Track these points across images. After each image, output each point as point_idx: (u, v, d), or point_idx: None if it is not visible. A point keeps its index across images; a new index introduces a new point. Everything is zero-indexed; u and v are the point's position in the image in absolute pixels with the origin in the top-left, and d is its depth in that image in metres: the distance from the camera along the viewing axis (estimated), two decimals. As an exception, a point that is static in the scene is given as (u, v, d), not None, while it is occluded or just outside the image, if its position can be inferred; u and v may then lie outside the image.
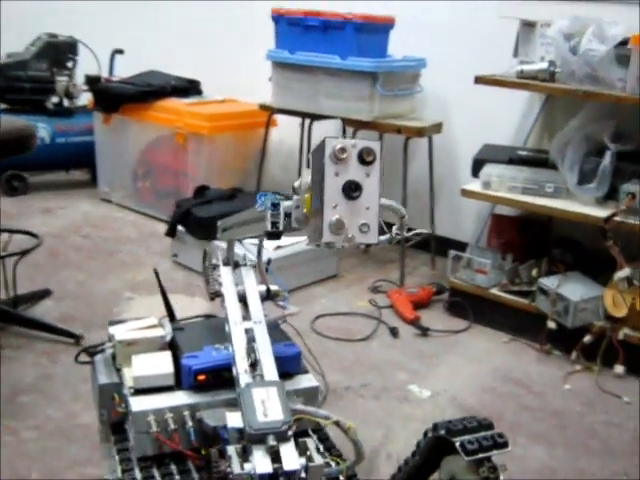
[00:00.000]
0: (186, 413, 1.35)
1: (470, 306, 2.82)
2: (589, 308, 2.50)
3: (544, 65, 2.54)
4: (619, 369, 2.45)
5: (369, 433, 2.03)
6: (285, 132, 3.80)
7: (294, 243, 2.93)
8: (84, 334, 2.49)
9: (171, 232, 3.18)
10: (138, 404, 1.35)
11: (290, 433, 1.16)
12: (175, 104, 3.68)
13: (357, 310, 2.89)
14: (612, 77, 2.39)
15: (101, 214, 3.88)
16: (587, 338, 2.48)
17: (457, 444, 1.08)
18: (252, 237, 1.45)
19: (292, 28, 3.10)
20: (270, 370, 1.27)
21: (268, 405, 1.18)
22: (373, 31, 3.02)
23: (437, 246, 3.40)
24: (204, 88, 4.01)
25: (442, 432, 1.12)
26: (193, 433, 1.31)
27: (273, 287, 1.50)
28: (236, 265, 1.54)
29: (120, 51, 4.07)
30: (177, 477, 1.33)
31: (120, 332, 1.49)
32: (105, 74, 4.09)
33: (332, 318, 2.78)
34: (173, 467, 1.35)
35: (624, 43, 2.40)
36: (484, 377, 2.44)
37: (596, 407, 2.29)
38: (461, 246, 2.99)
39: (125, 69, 4.10)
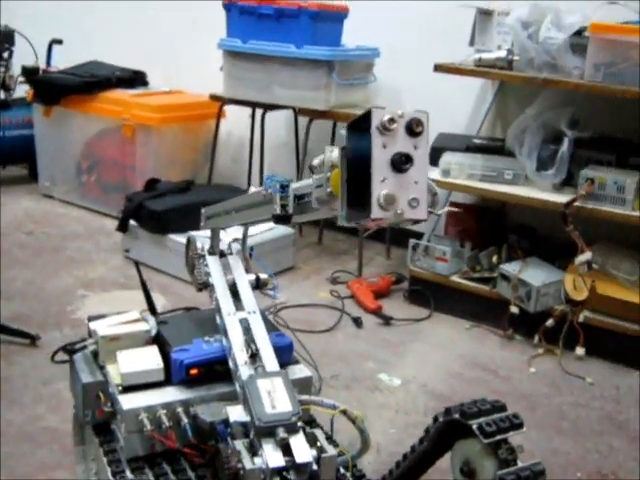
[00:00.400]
0: (179, 409, 1.30)
1: (431, 294, 2.83)
2: (550, 292, 2.55)
3: (502, 53, 2.56)
4: (580, 351, 2.50)
5: (344, 423, 2.00)
6: (233, 124, 3.74)
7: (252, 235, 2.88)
8: (39, 334, 2.38)
9: (122, 227, 3.09)
10: (128, 402, 1.29)
11: (300, 424, 1.13)
12: (121, 95, 3.57)
13: (318, 301, 2.86)
14: (569, 65, 2.43)
15: (43, 210, 3.74)
16: (549, 322, 2.52)
17: (474, 427, 1.06)
18: (241, 224, 1.40)
19: (244, 16, 3.04)
20: (271, 360, 1.24)
21: (275, 396, 1.15)
22: (328, 20, 2.99)
23: (391, 236, 3.41)
24: (149, 79, 3.91)
25: (456, 416, 1.10)
26: (190, 430, 1.26)
27: (262, 275, 1.46)
28: (221, 254, 1.49)
29: (59, 41, 3.92)
30: (172, 477, 1.28)
31: (102, 327, 1.42)
32: (42, 65, 3.93)
33: (294, 310, 2.75)
34: (166, 467, 1.30)
35: (579, 32, 2.45)
36: (450, 364, 2.46)
37: (561, 389, 2.33)
38: (416, 235, 2.99)
39: (62, 60, 3.95)
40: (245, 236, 1.49)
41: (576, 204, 2.44)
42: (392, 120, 0.91)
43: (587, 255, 2.41)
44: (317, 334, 2.58)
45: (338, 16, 3.08)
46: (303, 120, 3.30)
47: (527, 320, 2.57)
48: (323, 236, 3.58)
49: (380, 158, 0.92)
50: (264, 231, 2.96)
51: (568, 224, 2.42)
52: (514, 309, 2.57)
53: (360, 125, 0.95)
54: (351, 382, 2.29)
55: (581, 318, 2.49)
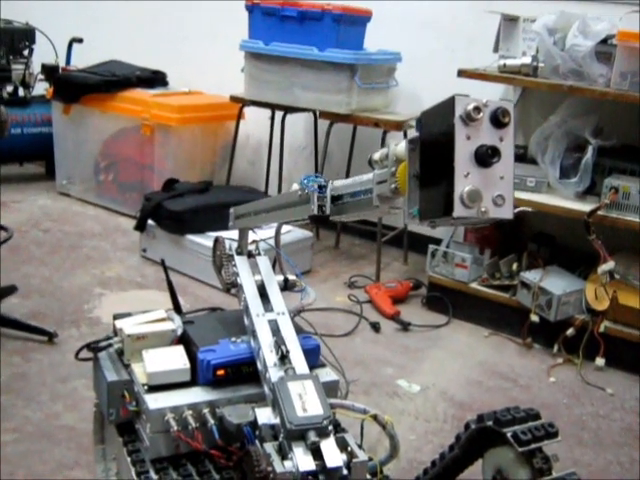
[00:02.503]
0: (206, 410, 1.28)
1: (449, 301, 2.81)
2: (571, 301, 2.53)
3: (527, 60, 2.54)
4: (600, 362, 2.48)
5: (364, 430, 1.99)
6: (252, 126, 3.74)
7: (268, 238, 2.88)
8: (57, 331, 2.38)
9: (141, 226, 3.08)
10: (154, 402, 1.28)
11: (330, 428, 1.11)
12: (140, 95, 3.57)
13: (336, 305, 2.85)
14: (595, 72, 2.41)
15: (60, 208, 3.74)
16: (569, 331, 2.50)
17: (509, 435, 1.05)
18: (271, 224, 1.39)
19: (267, 18, 3.04)
20: (301, 363, 1.23)
21: (306, 399, 1.13)
22: (351, 23, 2.99)
23: (408, 241, 3.39)
24: (169, 79, 3.91)
25: (489, 423, 1.09)
26: (216, 431, 1.24)
27: (290, 277, 1.44)
28: (249, 255, 1.48)
29: (79, 40, 3.93)
30: (197, 479, 1.26)
31: (128, 326, 1.41)
32: (62, 63, 3.94)
33: (312, 314, 2.69)
34: (191, 468, 1.28)
35: (606, 40, 2.43)
36: (469, 371, 2.44)
37: (582, 399, 2.31)
38: (434, 241, 2.97)
39: (82, 59, 3.96)
40: (278, 236, 1.48)
41: (599, 213, 2.42)
42: (478, 109, 0.84)
43: (610, 265, 2.39)
44: (335, 338, 2.56)
45: (361, 20, 3.07)
46: (322, 123, 3.29)
47: (547, 329, 2.55)
48: (340, 240, 3.57)
49: (463, 151, 0.84)
50: (282, 234, 2.94)
51: (591, 233, 2.40)
52: (534, 317, 2.55)
53: (437, 114, 0.88)
54: (370, 387, 2.27)
55: (602, 328, 2.46)
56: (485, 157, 0.84)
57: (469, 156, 0.84)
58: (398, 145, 0.96)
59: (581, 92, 2.43)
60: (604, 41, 2.43)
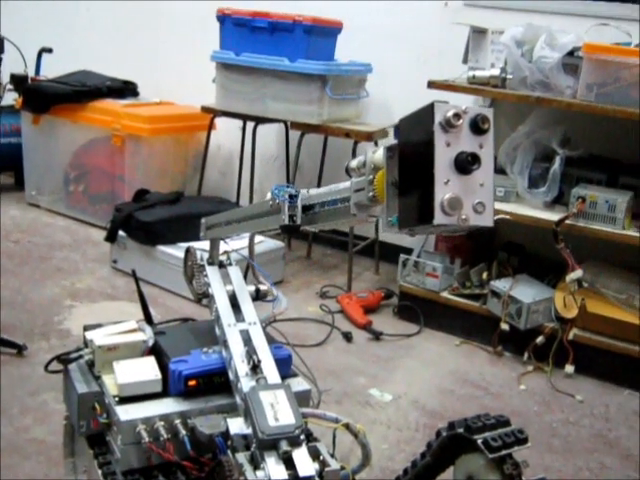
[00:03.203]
0: (177, 421, 1.28)
1: (420, 310, 2.83)
2: (540, 310, 2.55)
3: (496, 71, 2.58)
4: (569, 369, 2.51)
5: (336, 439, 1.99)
6: (223, 137, 3.73)
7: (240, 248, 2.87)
8: (26, 344, 2.35)
9: (111, 237, 3.06)
10: (125, 413, 1.27)
11: (302, 437, 1.11)
12: (111, 105, 3.55)
13: (308, 315, 2.85)
14: (562, 84, 2.45)
15: (30, 219, 3.70)
16: (539, 339, 2.52)
17: (479, 441, 1.06)
18: (242, 234, 1.39)
19: (238, 29, 3.04)
20: (273, 373, 1.23)
21: (278, 409, 1.13)
22: (322, 34, 3.00)
23: (380, 251, 3.41)
24: (139, 90, 3.89)
25: (460, 430, 1.10)
26: (188, 442, 1.24)
27: (262, 286, 1.45)
28: (220, 265, 1.48)
29: (49, 50, 3.90)
30: (169, 489, 1.26)
31: (99, 337, 1.40)
32: (31, 73, 3.90)
33: (284, 324, 2.71)
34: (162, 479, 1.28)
35: (572, 52, 2.47)
36: (441, 380, 2.45)
37: (552, 406, 2.33)
38: (405, 251, 2.99)
39: (52, 69, 3.93)
40: (252, 246, 1.48)
41: (567, 222, 2.45)
42: (457, 115, 0.82)
43: (578, 273, 2.42)
44: (307, 348, 2.57)
45: (332, 31, 3.09)
46: (294, 134, 3.30)
47: (517, 337, 2.58)
48: (312, 250, 3.58)
49: (443, 158, 0.83)
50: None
51: (559, 242, 2.43)
52: (504, 326, 2.58)
53: (416, 121, 0.87)
54: (342, 397, 2.28)
55: (571, 336, 2.50)
56: (465, 164, 0.83)
57: (449, 163, 0.83)
58: (376, 153, 0.95)
59: (548, 103, 2.47)
60: (570, 53, 2.47)
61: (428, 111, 0.83)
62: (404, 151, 0.89)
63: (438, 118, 0.83)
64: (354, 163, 1.01)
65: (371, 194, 0.92)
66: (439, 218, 0.82)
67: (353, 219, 1.00)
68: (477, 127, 0.84)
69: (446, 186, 0.82)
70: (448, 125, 0.83)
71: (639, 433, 2.22)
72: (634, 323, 2.45)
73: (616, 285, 2.55)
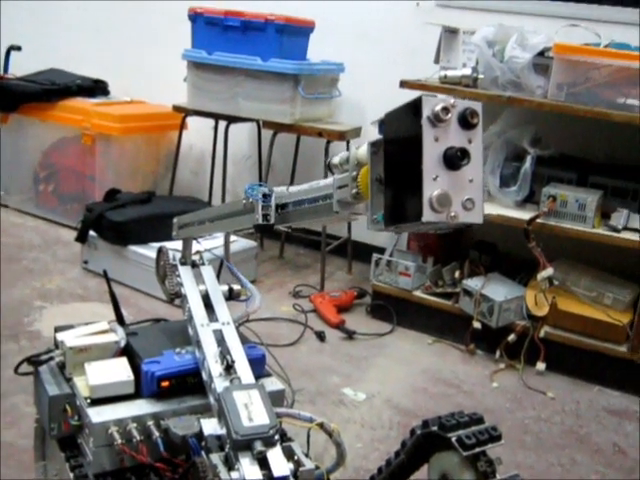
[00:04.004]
0: (150, 423, 1.26)
1: (393, 309, 2.83)
2: (512, 308, 2.58)
3: (467, 71, 2.60)
4: (541, 366, 2.53)
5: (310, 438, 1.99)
6: (195, 136, 3.71)
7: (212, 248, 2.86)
8: (-6, 346, 2.32)
9: (82, 237, 3.03)
10: (97, 415, 1.25)
11: (277, 437, 1.11)
12: (81, 104, 3.51)
13: (280, 315, 2.84)
14: (533, 84, 2.47)
15: (-2, 220, 3.65)
16: (511, 337, 2.54)
17: (453, 439, 1.06)
18: (215, 233, 1.38)
19: (210, 28, 3.03)
20: (247, 373, 1.22)
21: (252, 409, 1.13)
22: (294, 33, 3.00)
23: (352, 251, 3.41)
24: (110, 89, 3.86)
25: (434, 428, 1.10)
26: (162, 443, 1.23)
27: (235, 286, 1.44)
28: (193, 265, 1.47)
29: (17, 47, 3.84)
30: (142, 491, 1.24)
31: (70, 338, 1.38)
32: (-1, 72, 3.86)
33: (257, 323, 2.70)
34: (136, 481, 1.26)
35: (543, 53, 2.49)
36: (414, 378, 2.46)
37: (524, 403, 2.36)
38: (377, 250, 3.00)
39: (19, 67, 3.87)
40: (227, 245, 1.47)
41: (538, 221, 2.47)
42: (446, 109, 0.80)
43: (549, 271, 2.44)
44: (280, 348, 2.56)
45: (304, 30, 3.08)
46: (266, 133, 3.30)
47: (489, 335, 2.60)
48: (284, 249, 3.57)
49: (432, 153, 0.80)
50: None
51: (530, 240, 2.46)
52: (476, 324, 2.59)
53: (403, 116, 0.84)
54: (316, 396, 2.27)
55: (542, 333, 2.52)
56: (454, 159, 0.81)
57: (437, 158, 0.81)
58: (359, 148, 0.93)
59: (519, 103, 2.49)
60: (541, 53, 2.49)
61: (416, 105, 0.81)
62: (390, 146, 0.86)
63: (426, 112, 0.80)
64: (336, 159, 0.98)
65: (355, 191, 0.89)
66: (428, 215, 0.80)
67: (335, 217, 0.98)
68: (466, 121, 0.82)
69: (435, 182, 0.80)
70: (436, 119, 0.80)
71: (608, 429, 2.25)
72: (604, 320, 2.48)
73: (586, 283, 2.58)
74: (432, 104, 0.80)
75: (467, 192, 0.83)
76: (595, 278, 2.60)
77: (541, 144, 2.63)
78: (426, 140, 0.80)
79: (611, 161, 2.76)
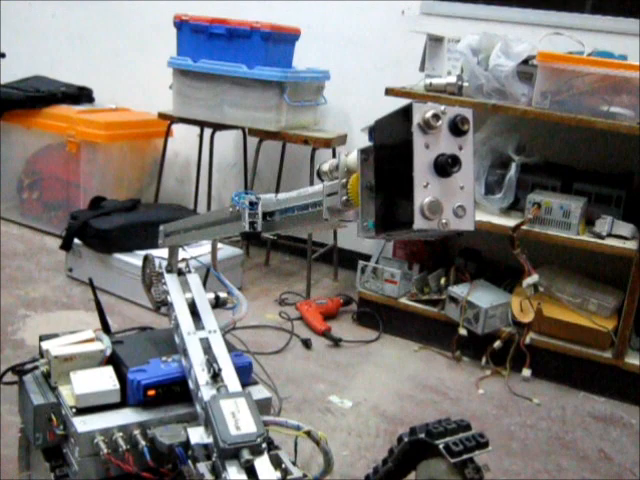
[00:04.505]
0: (136, 432, 1.26)
1: (379, 316, 2.84)
2: (497, 315, 2.58)
3: (452, 79, 2.61)
4: (526, 372, 2.54)
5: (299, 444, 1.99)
6: (180, 143, 3.71)
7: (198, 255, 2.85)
8: (-22, 355, 2.30)
9: (66, 245, 3.01)
10: (83, 424, 1.25)
11: (264, 446, 1.11)
12: (66, 111, 3.50)
13: (266, 323, 2.84)
14: (517, 92, 2.49)
15: (-19, 227, 3.62)
16: (496, 344, 2.55)
17: (441, 446, 1.06)
18: (201, 241, 1.38)
19: (196, 35, 3.02)
20: (234, 381, 1.22)
21: (239, 417, 1.13)
22: (280, 41, 3.00)
23: (338, 258, 3.42)
24: (95, 96, 3.84)
25: (422, 435, 1.10)
26: (148, 453, 1.22)
27: (221, 294, 1.43)
28: (179, 272, 1.46)
29: (2, 54, 3.82)
30: (128, 501, 1.24)
31: (55, 347, 1.37)
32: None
33: (243, 331, 2.71)
34: (121, 491, 1.26)
35: (527, 61, 2.51)
36: (400, 385, 2.46)
37: (510, 410, 2.36)
38: (363, 257, 3.00)
39: (3, 74, 3.85)
40: (215, 253, 1.47)
41: (523, 228, 2.49)
42: (436, 117, 0.80)
43: (534, 278, 2.45)
44: (267, 355, 2.55)
45: (290, 38, 3.09)
46: (252, 141, 3.29)
47: (475, 342, 2.60)
48: (270, 257, 3.57)
49: (422, 160, 0.80)
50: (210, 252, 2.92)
51: (515, 247, 2.47)
52: (462, 331, 2.60)
53: (393, 123, 0.84)
54: (302, 404, 2.27)
55: (527, 340, 2.53)
56: (445, 166, 0.81)
57: (428, 165, 0.81)
58: (349, 155, 0.92)
59: (504, 110, 2.51)
60: (525, 62, 2.51)
61: (406, 112, 0.81)
62: (380, 153, 0.86)
63: (417, 119, 0.80)
64: (326, 166, 0.98)
65: (345, 198, 0.89)
66: (419, 223, 0.79)
67: (325, 224, 0.97)
68: (457, 128, 0.82)
69: (426, 189, 0.80)
70: (427, 126, 0.80)
71: (594, 435, 2.26)
72: (589, 326, 2.49)
73: (571, 289, 2.59)
74: (423, 111, 0.80)
75: (458, 199, 0.83)
76: (580, 284, 2.62)
77: (526, 151, 2.65)
78: (417, 147, 0.80)
79: (595, 168, 2.78)
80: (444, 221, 0.81)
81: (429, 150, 0.81)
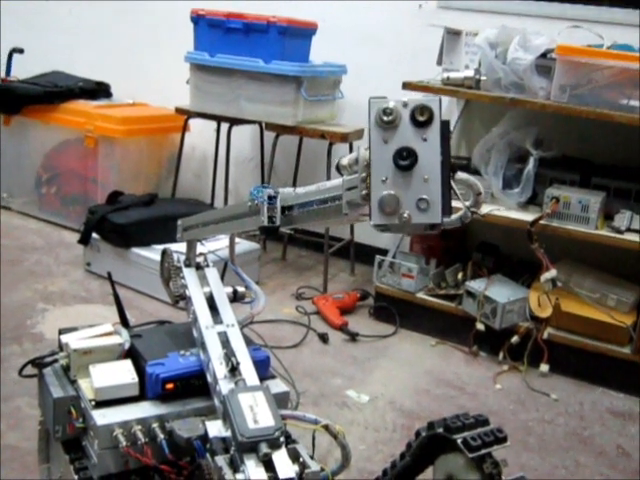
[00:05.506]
0: (155, 425, 1.26)
1: (396, 311, 2.83)
2: (515, 309, 2.57)
3: (470, 73, 2.59)
4: (544, 368, 2.53)
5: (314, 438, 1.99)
6: (197, 138, 3.72)
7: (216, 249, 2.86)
8: (-3, 348, 2.32)
9: (84, 240, 3.02)
10: (102, 417, 1.26)
11: (282, 440, 1.11)
12: (84, 106, 3.52)
13: (283, 317, 2.84)
14: (535, 85, 2.47)
15: (1, 222, 3.64)
16: (514, 339, 2.54)
17: (459, 441, 1.06)
18: (219, 235, 1.38)
19: (212, 30, 3.02)
20: (252, 375, 1.22)
21: (257, 411, 1.13)
22: (297, 35, 3.00)
23: (355, 252, 3.41)
24: (112, 91, 3.86)
25: (440, 430, 1.10)
26: (166, 446, 1.23)
27: (239, 288, 1.44)
28: (197, 267, 1.47)
29: (20, 50, 3.84)
30: (147, 494, 1.24)
31: (74, 340, 1.38)
32: (2, 74, 3.85)
33: (260, 325, 2.71)
34: (141, 483, 1.26)
35: (545, 54, 2.49)
36: (417, 380, 2.46)
37: (527, 405, 2.35)
38: (380, 252, 3.00)
39: (22, 70, 3.87)
40: (232, 248, 1.47)
41: (541, 222, 2.47)
42: (388, 111, 0.80)
43: (552, 273, 2.44)
44: (284, 350, 2.56)
45: (307, 32, 3.08)
46: (269, 135, 3.30)
47: (492, 337, 2.59)
48: (287, 251, 3.57)
49: (380, 155, 0.81)
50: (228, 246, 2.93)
51: (533, 242, 2.45)
52: (480, 326, 2.59)
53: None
54: (319, 398, 2.27)
55: (545, 335, 2.52)
56: (398, 160, 0.81)
57: (387, 160, 0.81)
58: (367, 149, 0.91)
59: (522, 104, 2.49)
60: (544, 55, 2.49)
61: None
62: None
63: (373, 114, 0.81)
64: (345, 160, 0.98)
65: (364, 192, 0.87)
66: (376, 218, 0.81)
67: (344, 218, 0.96)
68: (416, 119, 0.81)
69: (383, 184, 0.81)
70: (382, 121, 0.81)
71: (612, 431, 2.24)
72: (607, 322, 2.48)
73: (589, 284, 2.58)
74: (377, 106, 0.81)
75: (421, 192, 0.82)
76: (598, 279, 2.60)
77: (544, 145, 2.63)
78: (374, 142, 0.81)
79: (614, 162, 2.76)
80: (405, 215, 0.81)
81: (388, 145, 0.81)
